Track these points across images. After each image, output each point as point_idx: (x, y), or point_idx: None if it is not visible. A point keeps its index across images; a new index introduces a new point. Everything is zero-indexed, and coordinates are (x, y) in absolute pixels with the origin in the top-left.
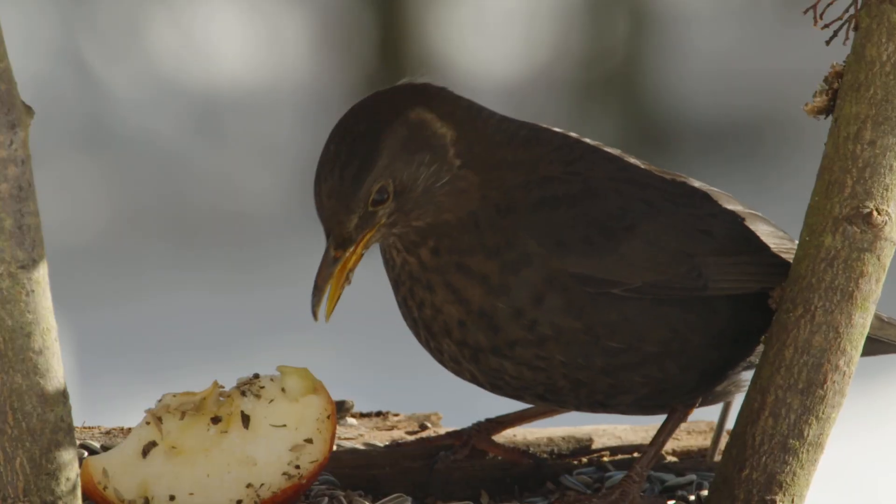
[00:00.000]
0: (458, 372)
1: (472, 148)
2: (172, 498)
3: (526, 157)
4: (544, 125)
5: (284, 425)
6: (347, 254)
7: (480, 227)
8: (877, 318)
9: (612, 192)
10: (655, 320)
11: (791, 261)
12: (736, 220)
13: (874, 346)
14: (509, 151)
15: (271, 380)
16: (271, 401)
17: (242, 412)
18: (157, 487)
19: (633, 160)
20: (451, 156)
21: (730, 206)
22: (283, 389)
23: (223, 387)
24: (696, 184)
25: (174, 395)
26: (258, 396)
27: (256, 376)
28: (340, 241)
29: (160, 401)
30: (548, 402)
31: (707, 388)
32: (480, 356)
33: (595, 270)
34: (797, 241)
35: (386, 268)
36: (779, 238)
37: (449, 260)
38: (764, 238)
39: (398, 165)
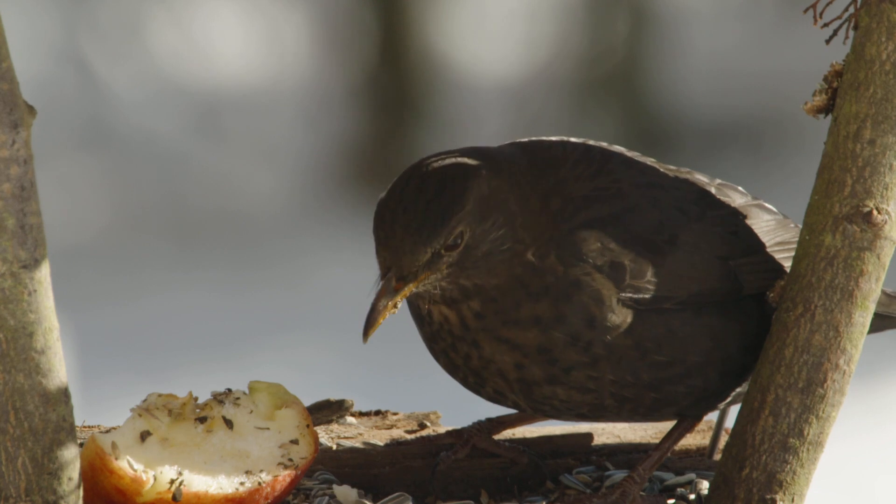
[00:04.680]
0: (498, 401)
1: (526, 207)
2: (180, 473)
3: (553, 184)
4: (546, 138)
5: (268, 428)
6: (406, 289)
7: (524, 281)
8: (884, 293)
9: (647, 203)
10: (698, 331)
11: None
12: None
13: (882, 322)
14: (542, 183)
15: (244, 393)
16: (251, 411)
17: (224, 417)
18: (161, 467)
19: (644, 159)
20: (518, 224)
21: (739, 201)
22: (254, 403)
23: (197, 398)
24: (704, 178)
25: (159, 395)
26: (237, 405)
27: (229, 391)
28: (403, 275)
29: (145, 400)
30: (585, 419)
31: (738, 391)
32: (534, 388)
33: (647, 288)
34: (798, 224)
35: (416, 321)
36: (784, 227)
37: (495, 320)
38: (771, 229)
39: (476, 218)
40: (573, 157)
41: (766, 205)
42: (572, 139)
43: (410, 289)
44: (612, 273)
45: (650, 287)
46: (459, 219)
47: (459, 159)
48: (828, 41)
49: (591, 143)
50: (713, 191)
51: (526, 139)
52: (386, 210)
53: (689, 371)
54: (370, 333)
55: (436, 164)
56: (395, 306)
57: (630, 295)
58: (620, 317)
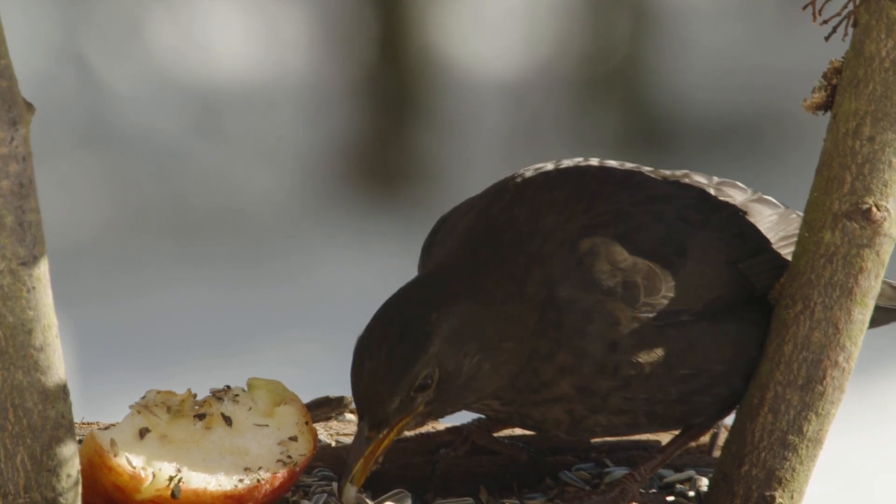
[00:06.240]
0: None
1: (510, 315)
2: (178, 470)
3: (540, 245)
4: (536, 177)
5: (267, 425)
6: (381, 436)
7: (530, 356)
8: (889, 286)
9: (651, 218)
10: (718, 339)
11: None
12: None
13: (886, 314)
14: (526, 255)
15: (243, 390)
16: (249, 408)
17: (223, 414)
18: (160, 464)
19: (640, 169)
20: (497, 342)
21: (739, 198)
22: (253, 400)
23: (196, 395)
24: (703, 179)
25: (158, 392)
26: (236, 402)
27: (228, 388)
28: (376, 423)
29: (144, 397)
30: (617, 436)
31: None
32: (581, 422)
33: (663, 303)
34: (800, 213)
35: None
36: (786, 220)
37: (526, 394)
38: (774, 224)
39: (446, 355)
40: (568, 189)
41: (767, 198)
42: (564, 162)
43: (390, 437)
44: (625, 294)
45: (665, 302)
46: (425, 362)
47: (428, 293)
48: (827, 38)
49: (583, 163)
50: (713, 192)
51: (520, 179)
52: (356, 355)
53: (714, 380)
54: (344, 488)
55: (402, 304)
56: (376, 462)
57: (647, 313)
58: (640, 335)
